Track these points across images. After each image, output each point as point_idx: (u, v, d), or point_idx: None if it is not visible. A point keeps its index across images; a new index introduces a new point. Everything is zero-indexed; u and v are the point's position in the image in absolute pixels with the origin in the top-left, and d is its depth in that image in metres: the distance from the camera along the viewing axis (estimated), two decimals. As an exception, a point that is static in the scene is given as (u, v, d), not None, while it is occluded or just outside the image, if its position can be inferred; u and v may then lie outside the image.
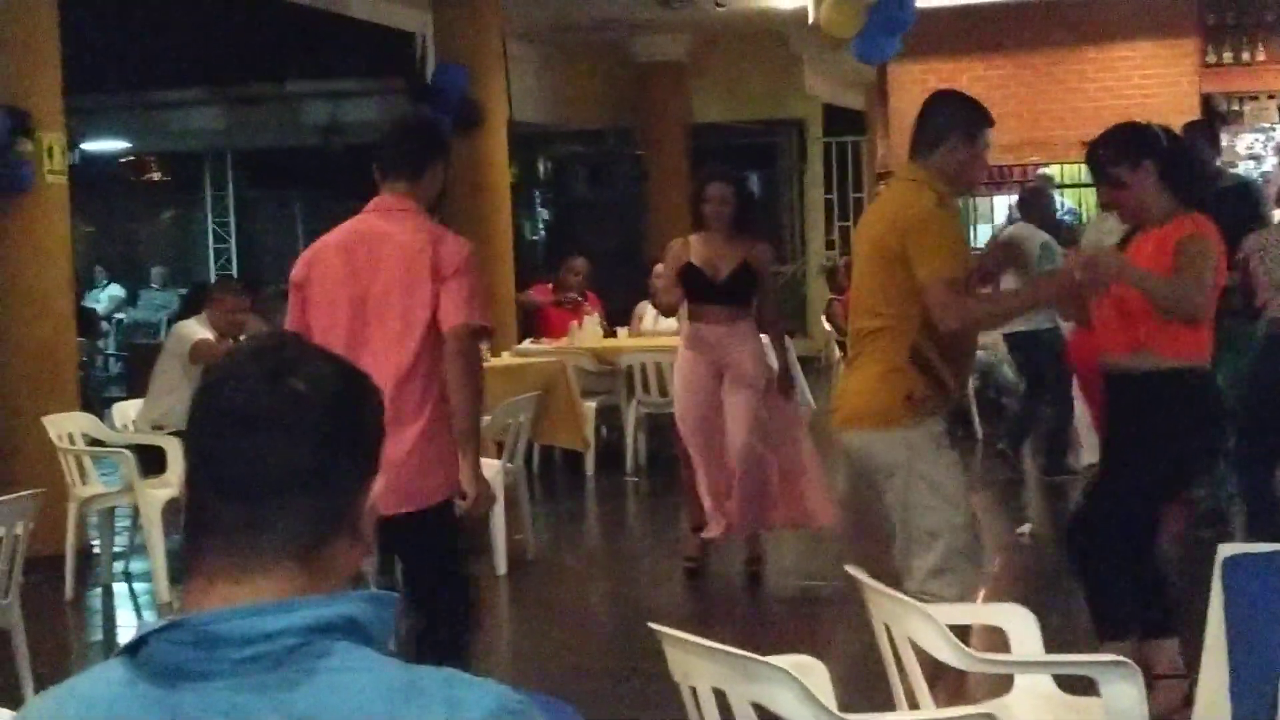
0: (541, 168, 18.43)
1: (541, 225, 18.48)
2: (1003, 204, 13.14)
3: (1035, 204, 9.56)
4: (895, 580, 4.39)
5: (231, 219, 21.32)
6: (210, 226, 21.40)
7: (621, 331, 11.39)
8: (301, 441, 1.49)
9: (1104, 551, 4.90)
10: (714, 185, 7.23)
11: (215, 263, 20.98)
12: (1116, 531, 4.84)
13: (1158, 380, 4.69)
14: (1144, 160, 4.71)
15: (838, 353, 12.59)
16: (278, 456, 1.48)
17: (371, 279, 4.37)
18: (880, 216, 4.76)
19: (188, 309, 9.91)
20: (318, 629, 1.43)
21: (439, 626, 4.49)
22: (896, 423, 4.52)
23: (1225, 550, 3.38)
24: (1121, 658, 3.07)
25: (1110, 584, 4.92)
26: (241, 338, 8.47)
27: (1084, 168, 5.05)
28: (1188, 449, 4.84)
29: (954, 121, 4.65)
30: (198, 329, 8.19)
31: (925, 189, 4.60)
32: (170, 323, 12.13)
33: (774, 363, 7.44)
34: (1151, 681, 4.57)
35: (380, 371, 3.94)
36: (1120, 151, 4.74)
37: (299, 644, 1.42)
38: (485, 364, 9.31)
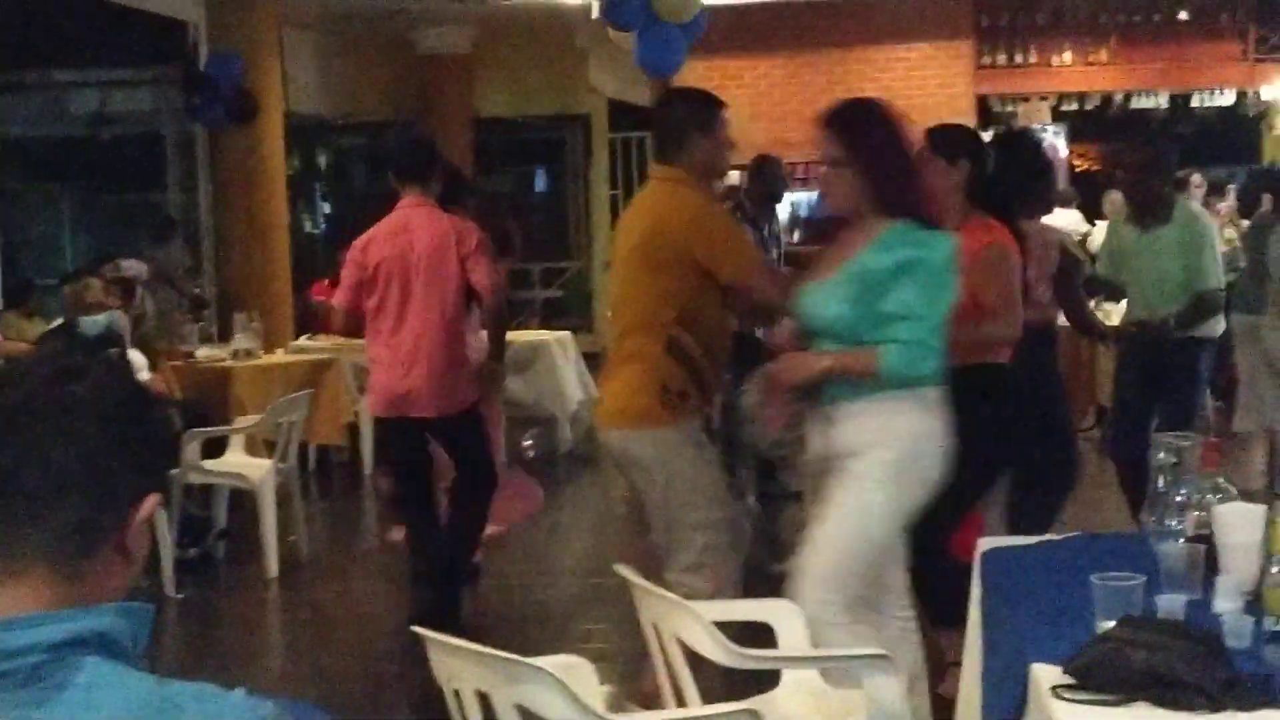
0: (322, 160, 18.12)
1: (322, 219, 18.17)
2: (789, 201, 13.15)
3: (761, 173, 9.30)
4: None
5: (-6, 211, 20.52)
6: (-27, 219, 20.56)
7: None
8: (73, 446, 1.43)
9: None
10: None
11: (-21, 256, 20.17)
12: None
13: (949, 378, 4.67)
14: (960, 160, 4.79)
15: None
16: (46, 459, 1.42)
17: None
18: (645, 220, 4.74)
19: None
20: (67, 644, 1.37)
21: (470, 502, 6.20)
22: (655, 423, 4.58)
23: (984, 544, 3.44)
24: (880, 651, 3.09)
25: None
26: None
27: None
28: (972, 450, 4.41)
29: (689, 119, 4.76)
30: None
31: (685, 187, 4.68)
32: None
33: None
34: (946, 669, 4.61)
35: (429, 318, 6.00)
36: (947, 145, 4.82)
37: (47, 660, 1.36)
38: (257, 361, 9.17)
